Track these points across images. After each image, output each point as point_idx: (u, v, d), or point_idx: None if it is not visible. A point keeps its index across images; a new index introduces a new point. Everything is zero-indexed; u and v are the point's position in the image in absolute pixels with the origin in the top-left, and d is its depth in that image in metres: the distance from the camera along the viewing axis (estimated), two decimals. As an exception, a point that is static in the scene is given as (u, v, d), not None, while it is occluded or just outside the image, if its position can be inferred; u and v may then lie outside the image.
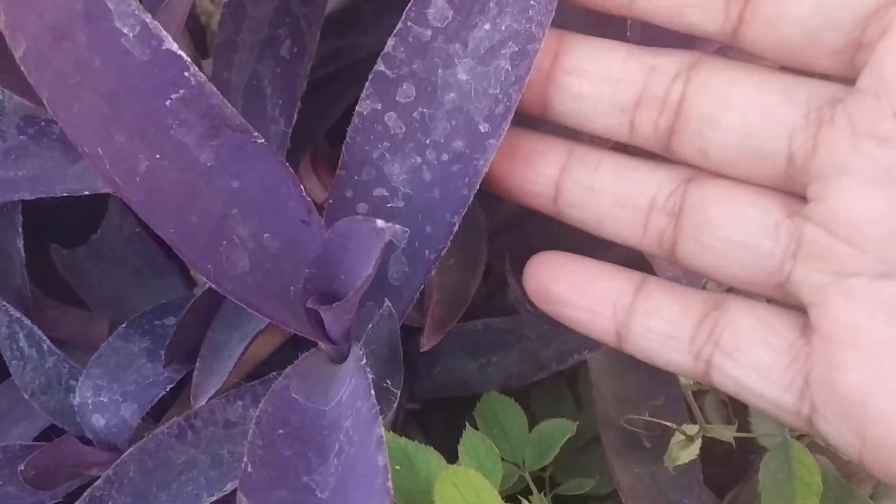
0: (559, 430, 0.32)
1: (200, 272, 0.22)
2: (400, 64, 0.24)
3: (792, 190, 0.23)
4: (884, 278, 0.21)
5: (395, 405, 0.28)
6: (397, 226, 0.21)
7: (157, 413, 0.33)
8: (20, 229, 0.31)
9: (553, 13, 0.23)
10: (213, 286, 0.23)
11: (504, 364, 0.34)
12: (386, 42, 0.38)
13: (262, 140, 0.22)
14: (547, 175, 0.25)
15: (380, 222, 0.20)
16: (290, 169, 0.23)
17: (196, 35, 0.45)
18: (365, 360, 0.24)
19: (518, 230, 0.37)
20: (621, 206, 0.25)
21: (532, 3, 0.23)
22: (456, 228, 0.24)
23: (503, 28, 0.24)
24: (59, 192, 0.30)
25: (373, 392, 0.22)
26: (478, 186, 0.24)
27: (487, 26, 0.24)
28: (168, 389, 0.31)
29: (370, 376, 0.23)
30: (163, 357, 0.31)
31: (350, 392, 0.24)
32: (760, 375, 0.23)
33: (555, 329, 0.33)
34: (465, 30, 0.24)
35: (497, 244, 0.38)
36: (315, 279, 0.24)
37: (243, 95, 0.34)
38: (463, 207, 0.24)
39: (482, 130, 0.24)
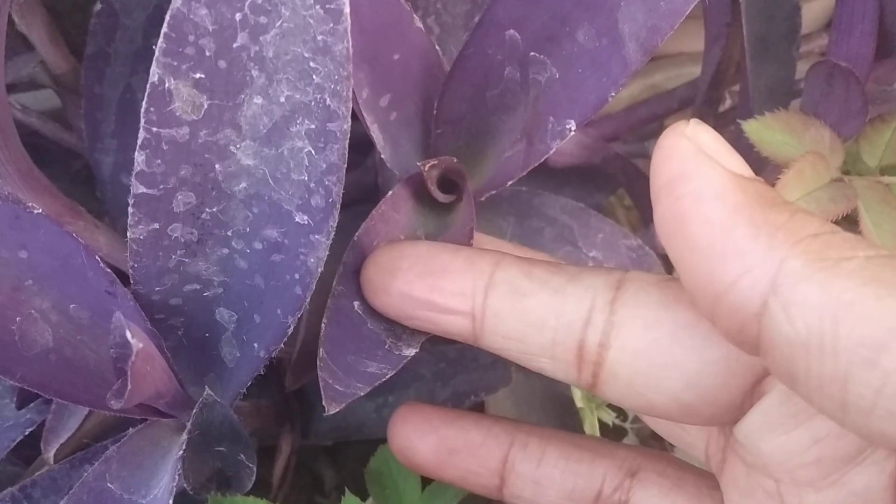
0: (453, 491, 0.29)
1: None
2: (163, 178, 0.20)
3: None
4: None
5: (255, 476, 0.25)
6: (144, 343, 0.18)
7: (30, 456, 0.31)
8: None
9: (351, 79, 0.19)
10: (-3, 375, 0.20)
11: (400, 405, 0.31)
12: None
13: (40, 210, 0.19)
14: (490, 468, 0.24)
15: (134, 341, 0.17)
16: (79, 239, 0.20)
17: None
18: (183, 451, 0.21)
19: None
20: (568, 499, 0.24)
21: (315, 66, 0.19)
22: (291, 330, 0.21)
23: (282, 100, 0.20)
24: None
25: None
26: (313, 288, 0.21)
27: (259, 100, 0.20)
28: (27, 433, 0.29)
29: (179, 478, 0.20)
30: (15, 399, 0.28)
31: (163, 489, 0.21)
32: None
33: (452, 368, 0.31)
34: (229, 111, 0.20)
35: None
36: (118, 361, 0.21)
37: (116, 111, 0.30)
38: (298, 310, 0.21)
39: (299, 221, 0.20)
